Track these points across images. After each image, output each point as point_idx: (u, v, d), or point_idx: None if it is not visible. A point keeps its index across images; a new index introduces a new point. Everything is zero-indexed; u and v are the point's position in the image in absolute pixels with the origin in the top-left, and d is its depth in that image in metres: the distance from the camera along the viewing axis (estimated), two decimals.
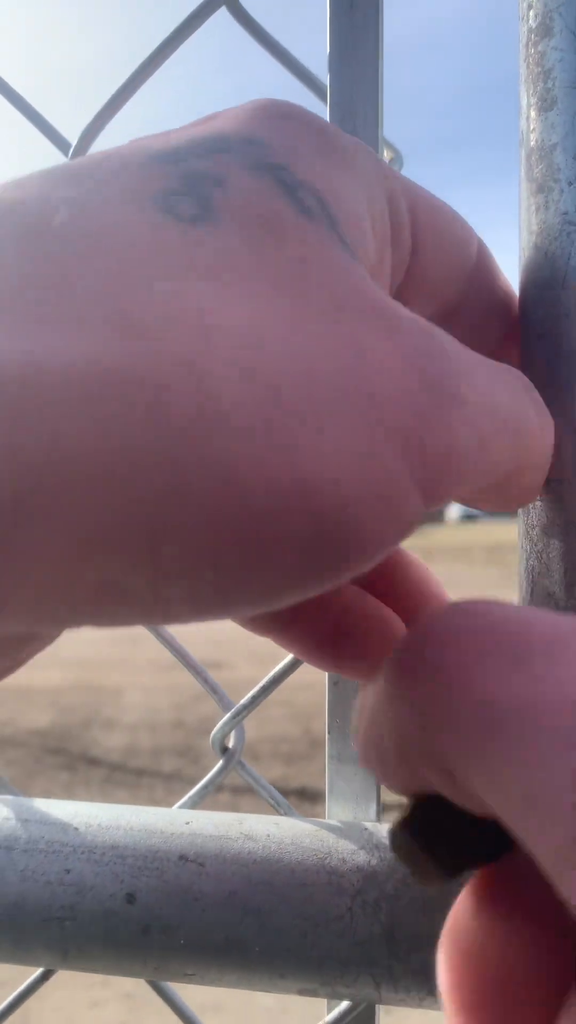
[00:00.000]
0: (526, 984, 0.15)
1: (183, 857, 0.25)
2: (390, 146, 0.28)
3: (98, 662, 4.83)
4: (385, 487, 0.14)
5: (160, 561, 0.12)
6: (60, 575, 0.11)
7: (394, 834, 0.17)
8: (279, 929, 0.23)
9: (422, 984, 0.23)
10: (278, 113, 0.18)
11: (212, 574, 0.13)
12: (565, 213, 0.22)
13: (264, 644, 0.24)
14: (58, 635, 0.16)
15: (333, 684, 0.28)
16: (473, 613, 0.16)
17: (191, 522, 0.12)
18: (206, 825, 0.26)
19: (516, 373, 0.19)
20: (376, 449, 0.14)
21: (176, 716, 3.84)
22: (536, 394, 0.19)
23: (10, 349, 0.11)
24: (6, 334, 0.11)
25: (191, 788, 0.30)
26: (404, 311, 0.16)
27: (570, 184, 0.22)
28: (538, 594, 0.23)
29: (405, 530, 0.15)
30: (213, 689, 0.31)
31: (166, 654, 0.33)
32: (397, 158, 0.28)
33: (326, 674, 0.28)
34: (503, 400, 0.17)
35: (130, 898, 0.24)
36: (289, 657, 0.28)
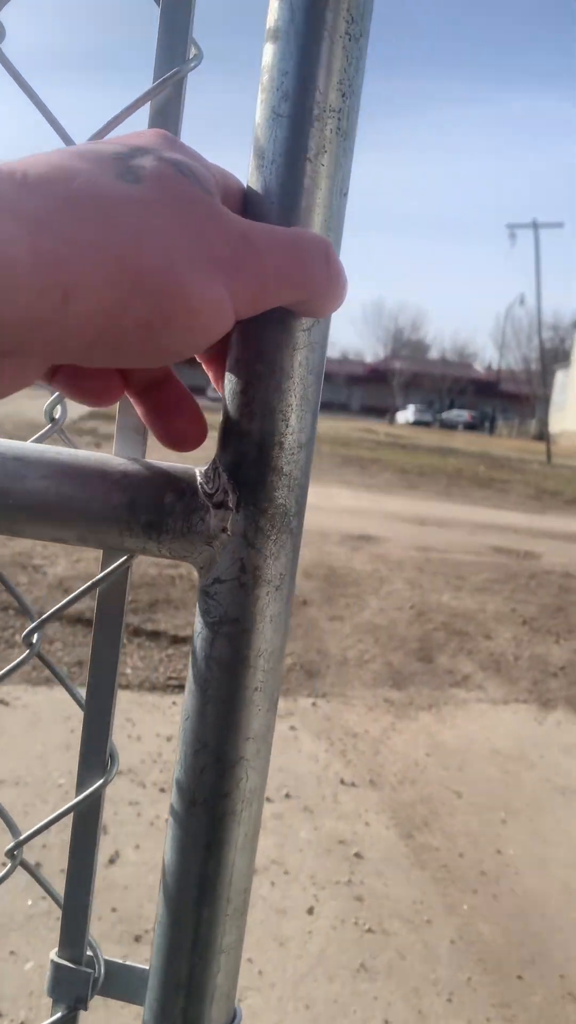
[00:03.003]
0: None
1: (16, 459, 0.42)
2: (195, 44, 0.43)
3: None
4: (216, 298, 0.32)
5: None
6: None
7: None
8: (71, 496, 0.41)
9: (148, 535, 0.42)
10: (164, 135, 0.36)
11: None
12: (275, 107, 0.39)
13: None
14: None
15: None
16: None
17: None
18: (48, 451, 0.43)
19: (296, 236, 0.36)
20: (213, 277, 0.32)
21: None
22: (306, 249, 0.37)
23: (45, 239, 0.28)
24: (50, 236, 0.28)
25: None
26: (231, 213, 0.35)
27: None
28: None
29: (223, 329, 0.33)
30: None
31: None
32: (199, 55, 0.43)
33: None
34: (282, 252, 0.35)
35: None
36: None
